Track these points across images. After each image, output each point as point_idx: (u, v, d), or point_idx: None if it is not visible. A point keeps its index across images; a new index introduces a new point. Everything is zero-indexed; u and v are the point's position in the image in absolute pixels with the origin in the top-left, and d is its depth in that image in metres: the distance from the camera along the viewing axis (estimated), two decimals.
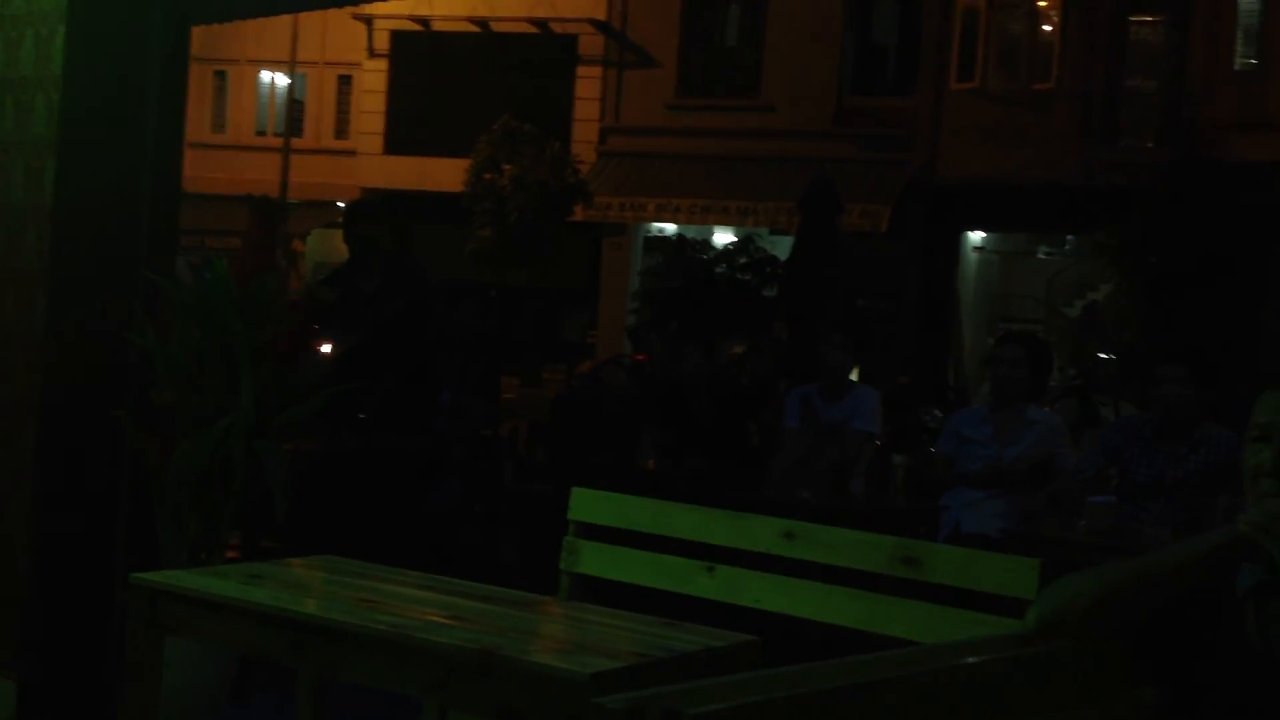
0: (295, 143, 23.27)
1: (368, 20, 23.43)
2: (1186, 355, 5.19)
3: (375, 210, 6.00)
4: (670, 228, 21.47)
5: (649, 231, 22.32)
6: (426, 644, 2.34)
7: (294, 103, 23.89)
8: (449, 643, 2.34)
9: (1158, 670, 2.06)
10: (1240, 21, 18.53)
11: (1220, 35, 18.58)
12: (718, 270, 18.47)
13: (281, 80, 24.26)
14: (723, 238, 20.54)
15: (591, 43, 22.50)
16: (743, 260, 18.43)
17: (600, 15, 22.27)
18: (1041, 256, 23.09)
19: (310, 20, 23.10)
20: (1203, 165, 15.99)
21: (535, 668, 2.25)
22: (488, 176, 20.22)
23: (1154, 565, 2.02)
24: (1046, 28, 19.72)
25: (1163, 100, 19.31)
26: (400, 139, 23.31)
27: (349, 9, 22.44)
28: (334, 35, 23.86)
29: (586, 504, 3.50)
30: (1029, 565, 2.85)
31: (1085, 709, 1.97)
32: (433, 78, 22.95)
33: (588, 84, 22.58)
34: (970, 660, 1.82)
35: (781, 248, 16.90)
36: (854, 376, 6.77)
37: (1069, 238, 21.77)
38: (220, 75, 25.12)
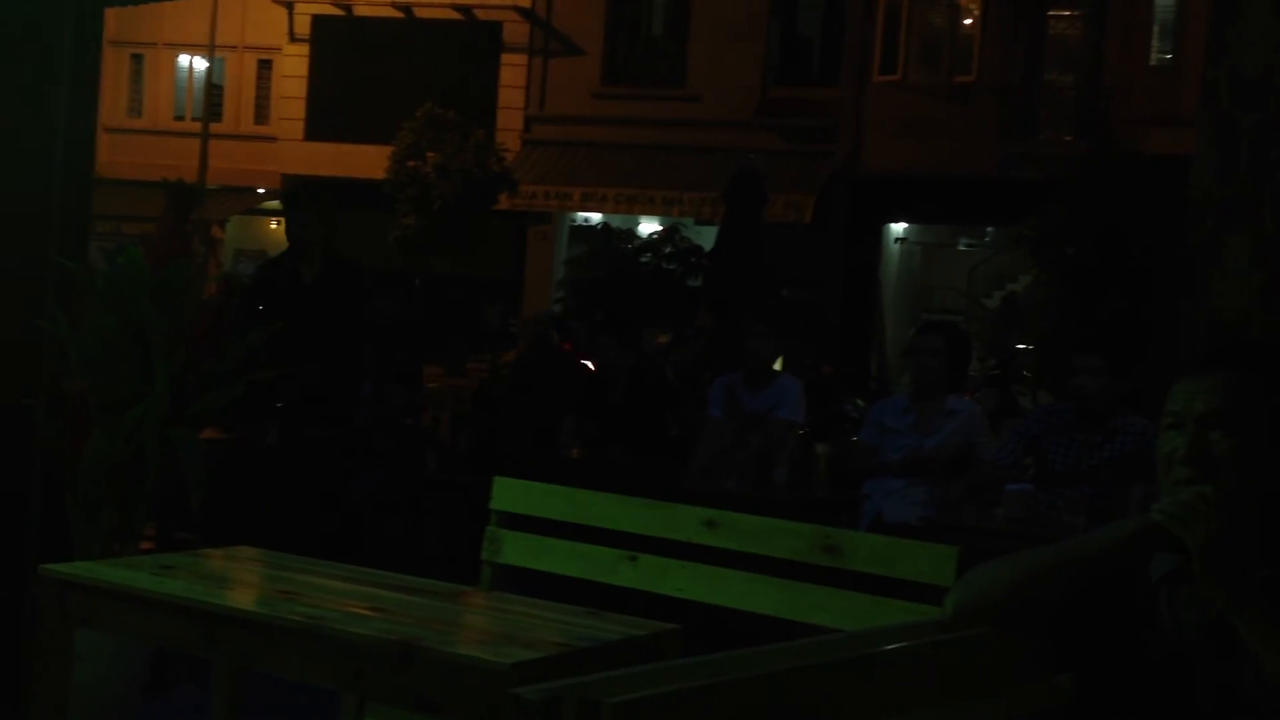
0: (214, 128, 22.92)
1: (288, 4, 23.14)
2: (1102, 345, 5.26)
3: (313, 199, 6.04)
4: (596, 217, 21.44)
5: (574, 220, 22.28)
6: (344, 635, 2.31)
7: (213, 87, 23.52)
8: (367, 634, 2.31)
9: (1073, 657, 2.08)
10: (1156, 17, 18.87)
11: (1136, 31, 18.89)
12: (643, 260, 18.49)
13: (200, 64, 23.88)
14: (648, 227, 20.56)
15: (516, 30, 22.39)
16: (668, 250, 18.47)
17: (525, 3, 22.16)
18: (962, 248, 23.36)
19: (229, 3, 22.76)
20: (1119, 159, 16.26)
21: (456, 659, 2.22)
22: (411, 164, 20.07)
23: (1069, 553, 2.04)
24: (967, 21, 19.94)
25: (1080, 94, 19.61)
26: (322, 125, 23.05)
27: None
28: (254, 19, 23.53)
29: (508, 494, 3.47)
30: (947, 553, 2.87)
31: (1002, 696, 1.99)
32: (355, 63, 22.73)
33: (512, 72, 22.47)
34: (888, 648, 1.83)
35: (706, 237, 16.96)
36: (777, 366, 6.79)
37: (989, 229, 22.04)
38: (137, 59, 24.69)
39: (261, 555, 3.10)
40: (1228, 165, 2.20)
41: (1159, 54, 19.04)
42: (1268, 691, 1.93)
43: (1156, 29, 18.96)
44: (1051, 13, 19.88)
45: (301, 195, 6.20)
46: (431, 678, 2.20)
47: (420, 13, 22.64)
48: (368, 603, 2.55)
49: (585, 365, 8.23)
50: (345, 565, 2.99)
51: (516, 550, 3.43)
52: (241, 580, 2.97)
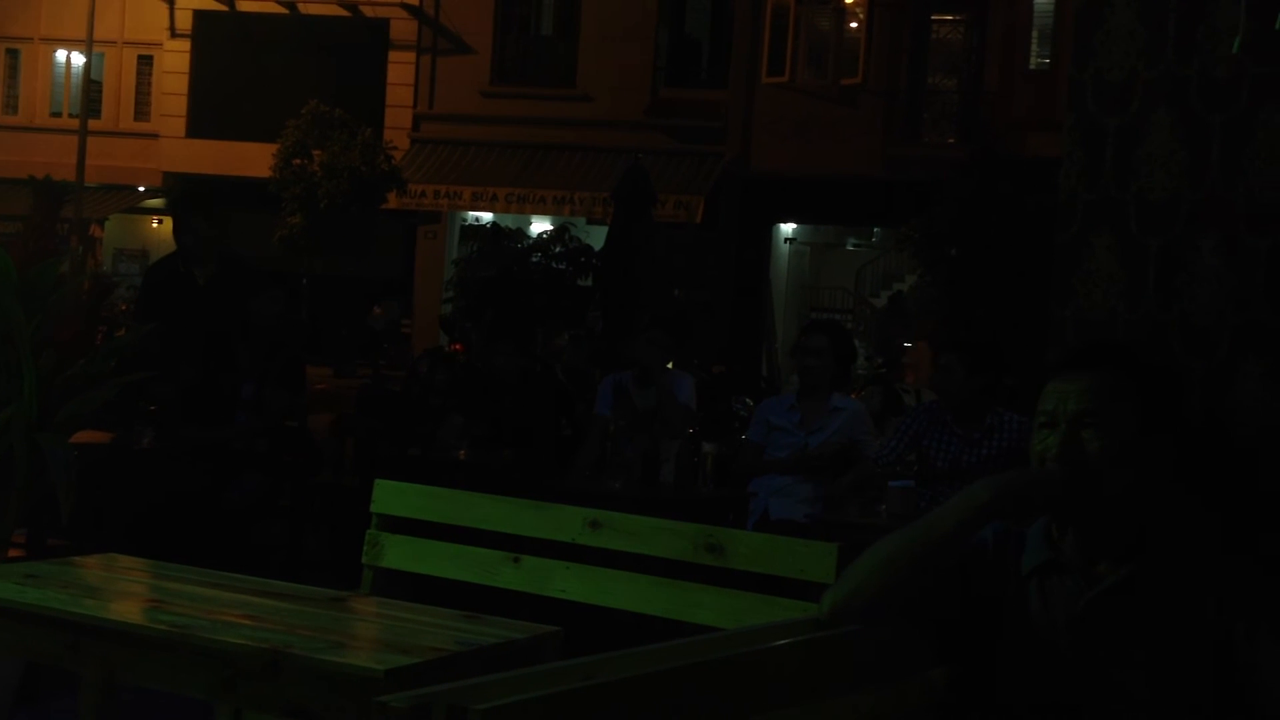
0: (93, 124, 22.36)
1: None
2: (960, 344, 5.36)
3: (201, 201, 6.04)
4: (487, 216, 21.32)
5: (465, 220, 22.13)
6: (213, 644, 2.25)
7: (91, 83, 22.94)
8: (236, 642, 2.25)
9: (947, 651, 2.10)
10: (1035, 23, 19.30)
11: (1016, 36, 19.30)
12: (533, 260, 18.41)
13: (78, 59, 23.28)
14: (540, 227, 20.50)
15: (404, 28, 22.18)
16: (558, 249, 18.42)
17: (413, 0, 21.96)
18: (850, 248, 23.68)
19: None
20: (1000, 162, 16.59)
21: (327, 666, 2.17)
22: (296, 162, 19.75)
23: (927, 536, 2.07)
24: (853, 25, 20.20)
25: (962, 98, 19.99)
26: (204, 122, 22.62)
27: None
28: (133, 14, 23.02)
29: (389, 496, 3.42)
30: (827, 550, 2.90)
31: (876, 691, 2.00)
32: (238, 60, 22.32)
33: (400, 70, 22.25)
34: (759, 648, 1.83)
35: (598, 237, 16.94)
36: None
37: (876, 230, 22.38)
38: (12, 54, 24.05)
39: (132, 563, 3.02)
40: (1093, 167, 2.25)
41: (1038, 59, 19.49)
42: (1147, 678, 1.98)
43: (1035, 34, 19.40)
44: (935, 17, 20.23)
45: (188, 198, 6.17)
46: (303, 686, 2.15)
47: (305, 9, 22.32)
48: (239, 610, 2.49)
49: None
50: (219, 572, 2.91)
51: (398, 553, 3.38)
52: (109, 589, 2.88)
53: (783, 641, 1.86)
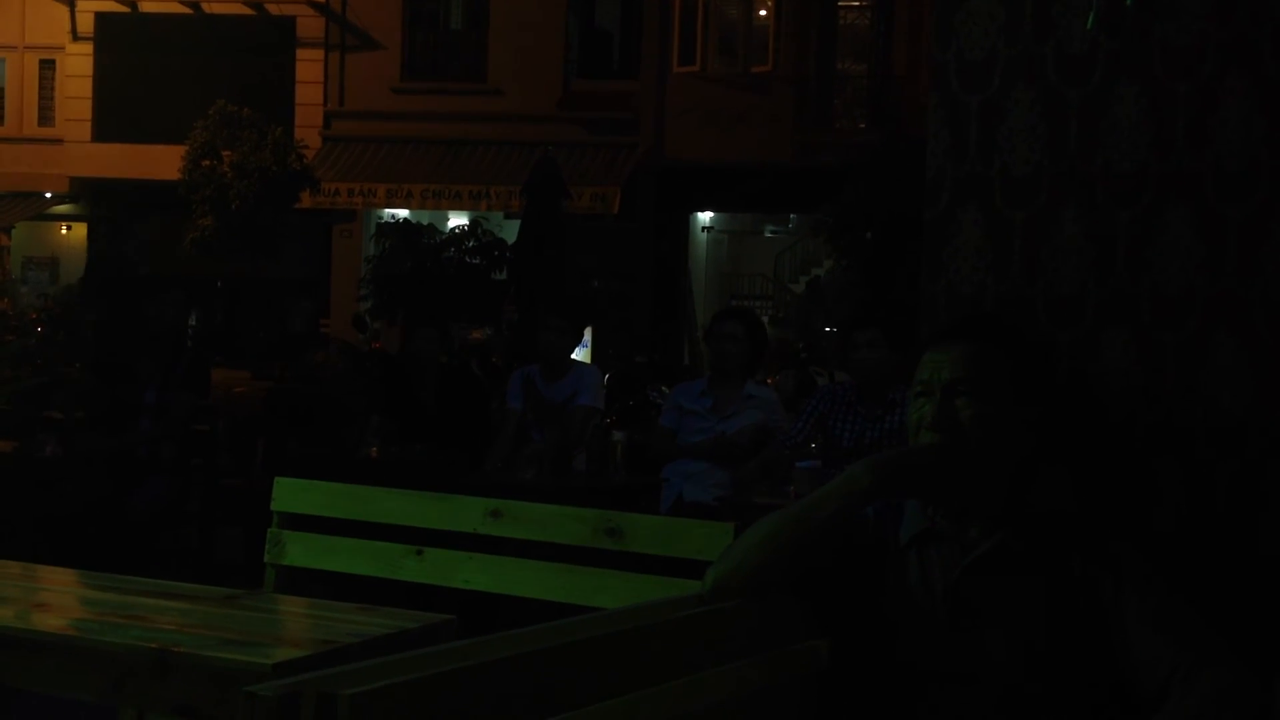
0: None
1: (70, 2, 22.25)
2: (877, 319, 5.39)
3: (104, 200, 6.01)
4: (404, 213, 21.20)
5: (381, 217, 21.98)
6: (99, 645, 2.24)
7: None
8: (122, 643, 2.24)
9: (830, 622, 2.14)
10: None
11: (922, 20, 19.52)
12: (446, 255, 18.35)
13: None
14: (457, 222, 20.42)
15: (311, 25, 21.96)
16: (471, 244, 18.37)
17: None
18: (768, 235, 23.81)
19: (7, 1, 21.81)
20: (910, 145, 16.76)
21: (215, 663, 2.17)
22: (206, 163, 19.48)
23: (807, 518, 2.09)
24: (762, 13, 20.32)
25: (871, 83, 20.18)
26: (110, 126, 22.24)
27: None
28: (34, 17, 22.58)
29: (289, 494, 3.42)
30: (724, 530, 2.94)
31: (759, 663, 2.03)
32: (143, 61, 21.98)
33: (309, 67, 22.03)
34: (643, 623, 1.86)
35: (514, 231, 16.93)
36: (585, 358, 6.80)
37: (792, 216, 22.52)
38: None
39: (25, 569, 2.99)
40: (959, 145, 2.30)
41: None
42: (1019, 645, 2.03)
43: None
44: (841, 3, 20.40)
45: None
46: (191, 684, 2.15)
47: (209, 8, 22.02)
48: (129, 611, 2.48)
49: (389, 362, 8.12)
50: (112, 575, 2.89)
51: (300, 551, 3.39)
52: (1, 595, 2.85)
53: (664, 617, 1.88)
